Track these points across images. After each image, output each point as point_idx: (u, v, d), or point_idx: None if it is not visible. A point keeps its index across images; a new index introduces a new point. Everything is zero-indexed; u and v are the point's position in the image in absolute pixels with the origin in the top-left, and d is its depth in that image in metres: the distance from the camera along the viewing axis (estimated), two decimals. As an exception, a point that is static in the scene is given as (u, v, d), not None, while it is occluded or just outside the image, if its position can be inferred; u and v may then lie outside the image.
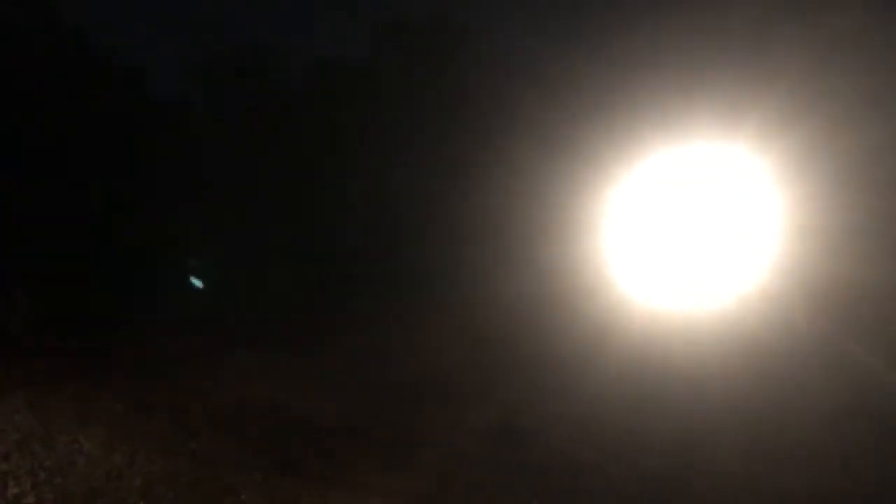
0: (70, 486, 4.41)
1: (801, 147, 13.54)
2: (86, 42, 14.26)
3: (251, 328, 9.07)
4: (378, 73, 19.49)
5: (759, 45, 16.49)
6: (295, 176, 17.62)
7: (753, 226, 12.88)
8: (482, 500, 4.82)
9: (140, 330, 9.04)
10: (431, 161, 18.20)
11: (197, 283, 14.74)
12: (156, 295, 12.48)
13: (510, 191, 17.03)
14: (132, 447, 5.01)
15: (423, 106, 18.74)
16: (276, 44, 20.80)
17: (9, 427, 5.03)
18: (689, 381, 7.02)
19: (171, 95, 17.85)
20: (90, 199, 13.04)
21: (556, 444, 5.49)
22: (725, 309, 11.67)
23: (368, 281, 15.92)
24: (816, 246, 12.26)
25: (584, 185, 15.43)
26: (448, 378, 7.41)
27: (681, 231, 13.32)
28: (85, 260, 12.29)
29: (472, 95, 18.43)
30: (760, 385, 7.29)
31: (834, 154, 13.78)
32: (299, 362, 7.65)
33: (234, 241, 16.65)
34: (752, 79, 15.15)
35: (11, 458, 4.63)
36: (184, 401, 6.03)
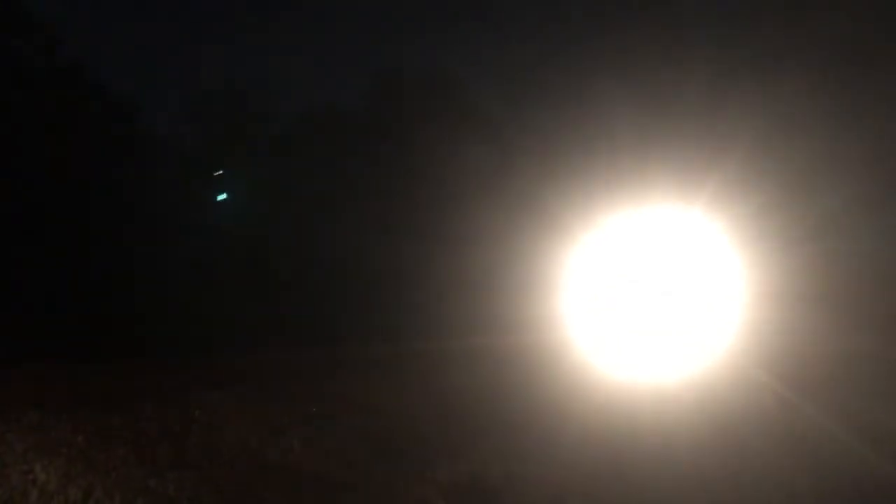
0: (20, 518, 4.23)
1: (757, 212, 14.02)
2: (84, 75, 14.45)
3: (225, 368, 8.89)
4: (370, 122, 19.86)
5: (714, 112, 17.19)
6: (283, 217, 17.69)
7: (715, 290, 13.07)
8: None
9: (109, 361, 8.84)
10: (405, 215, 18.42)
11: None
12: (128, 328, 12.28)
13: (480, 249, 17.27)
14: (90, 481, 4.82)
15: (409, 157, 19.11)
16: (273, 86, 21.28)
17: (-38, 453, 4.83)
18: (655, 446, 7.05)
19: (166, 129, 18.02)
20: (68, 225, 12.97)
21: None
22: (687, 373, 11.79)
23: (342, 328, 15.80)
24: (776, 311, 12.56)
25: (549, 246, 15.76)
26: (418, 431, 7.29)
27: (641, 294, 13.53)
28: (54, 285, 12.11)
29: (449, 155, 18.87)
30: (726, 453, 7.23)
31: (790, 218, 14.22)
32: (271, 406, 7.48)
33: (211, 278, 16.52)
34: (708, 144, 15.71)
35: (-39, 486, 4.43)
36: (148, 437, 5.84)
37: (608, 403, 9.14)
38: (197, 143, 18.66)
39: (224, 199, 17.03)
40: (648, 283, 13.67)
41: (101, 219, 13.91)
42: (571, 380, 10.62)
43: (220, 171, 17.22)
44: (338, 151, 18.82)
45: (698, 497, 5.76)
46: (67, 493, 4.61)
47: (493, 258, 17.39)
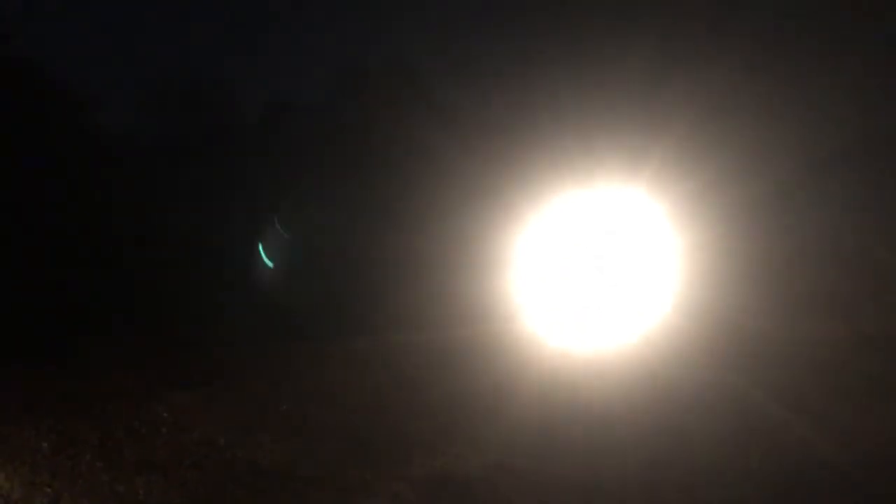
0: (-15, 529, 4.17)
1: (697, 193, 14.59)
2: (37, 71, 14.02)
3: (191, 367, 8.80)
4: (334, 116, 19.75)
5: (655, 90, 17.70)
6: (243, 213, 17.46)
7: (652, 267, 13.79)
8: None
9: (73, 362, 8.67)
10: (368, 203, 18.43)
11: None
12: (92, 325, 12.02)
13: (433, 233, 17.52)
14: (56, 489, 4.77)
15: (374, 149, 19.08)
16: (231, 80, 20.92)
17: (-80, 464, 4.73)
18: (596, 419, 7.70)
19: (122, 127, 17.62)
20: (33, 224, 12.63)
21: (498, 495, 5.49)
22: (627, 346, 12.69)
23: (312, 322, 15.73)
24: (711, 289, 13.26)
25: (496, 226, 16.24)
26: (389, 425, 7.35)
27: (584, 272, 14.20)
28: (8, 282, 11.78)
29: (405, 139, 18.96)
30: (660, 414, 8.12)
31: (728, 201, 14.83)
32: (239, 405, 7.45)
33: (178, 276, 16.27)
34: (648, 125, 16.21)
35: (-79, 498, 4.34)
36: (115, 441, 5.78)
37: (553, 379, 9.78)
38: (156, 140, 18.29)
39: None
40: (592, 263, 14.36)
41: (56, 214, 13.57)
42: (532, 365, 11.11)
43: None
44: (298, 143, 18.66)
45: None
46: (34, 501, 4.56)
47: (446, 242, 17.63)
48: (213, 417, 6.65)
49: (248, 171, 17.98)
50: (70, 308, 12.60)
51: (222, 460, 5.67)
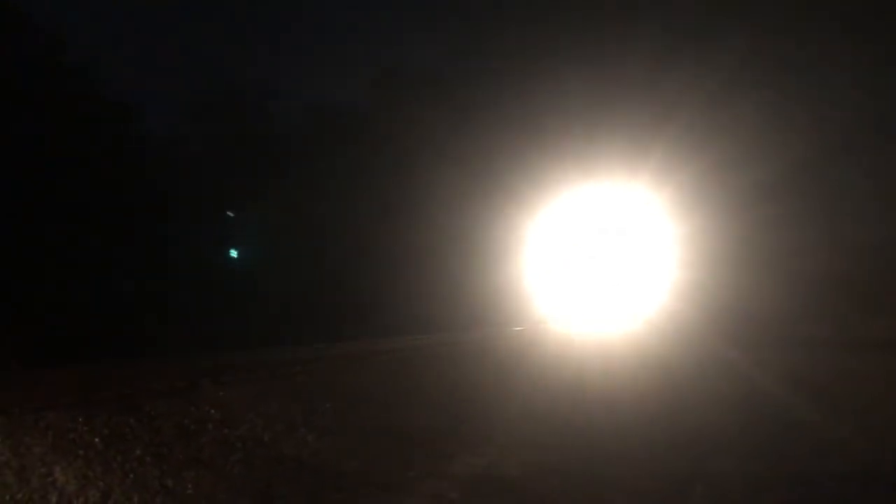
0: (42, 520, 4.27)
1: (694, 183, 14.84)
2: (87, 77, 14.43)
3: (235, 365, 8.92)
4: (368, 118, 19.94)
5: (657, 84, 17.84)
6: (285, 213, 17.71)
7: (655, 254, 14.76)
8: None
9: (123, 360, 8.88)
10: (394, 200, 18.61)
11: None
12: (142, 328, 12.33)
13: (457, 231, 17.81)
14: (108, 483, 4.85)
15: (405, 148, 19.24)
16: (271, 85, 21.29)
17: (-18, 457, 4.87)
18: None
19: (166, 131, 18.01)
20: (81, 228, 13.00)
21: (541, 494, 5.39)
22: (631, 328, 13.91)
23: (351, 323, 15.88)
24: (708, 273, 13.72)
25: (513, 220, 16.79)
26: (428, 423, 7.32)
27: (592, 260, 15.02)
28: (72, 289, 12.15)
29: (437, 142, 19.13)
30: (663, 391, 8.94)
31: (725, 190, 14.98)
32: (284, 402, 7.51)
33: (218, 274, 16.57)
34: (649, 120, 16.40)
35: (-18, 489, 4.47)
36: (163, 436, 5.88)
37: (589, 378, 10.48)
38: (199, 144, 18.66)
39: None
40: (599, 249, 15.38)
41: (104, 217, 13.93)
42: (561, 362, 11.64)
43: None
44: (338, 146, 18.85)
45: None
46: (87, 495, 4.65)
47: (469, 239, 17.90)
48: (258, 414, 6.71)
49: (290, 172, 18.24)
50: (117, 308, 12.94)
51: (268, 456, 5.71)
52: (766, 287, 13.51)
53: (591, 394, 9.38)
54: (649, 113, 17.11)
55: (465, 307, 16.86)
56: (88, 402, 6.49)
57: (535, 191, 17.43)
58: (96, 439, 5.53)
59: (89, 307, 12.18)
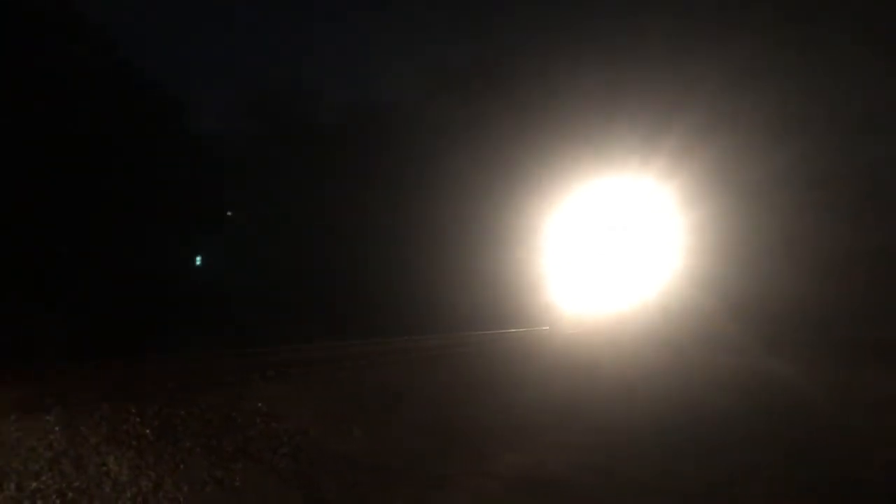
0: (97, 508, 4.37)
1: (704, 174, 14.86)
2: (135, 73, 14.82)
3: (283, 360, 9.02)
4: (417, 115, 19.99)
5: (670, 75, 17.87)
6: (330, 210, 17.88)
7: (666, 242, 15.23)
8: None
9: (174, 354, 9.08)
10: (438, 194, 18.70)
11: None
12: (189, 321, 12.61)
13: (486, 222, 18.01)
14: (159, 473, 4.94)
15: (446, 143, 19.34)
16: (317, 84, 21.52)
17: (41, 445, 5.01)
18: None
19: (214, 129, 18.31)
20: (129, 226, 13.35)
21: (586, 493, 5.28)
22: (642, 313, 14.41)
23: (393, 320, 15.93)
24: (717, 260, 13.88)
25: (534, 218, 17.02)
26: (472, 422, 7.26)
27: (607, 248, 15.44)
28: (121, 283, 12.49)
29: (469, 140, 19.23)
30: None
31: (735, 180, 14.92)
32: (331, 397, 7.56)
33: (262, 268, 16.83)
34: (662, 111, 16.40)
35: (42, 477, 4.60)
36: (212, 429, 5.96)
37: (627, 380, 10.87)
38: (244, 142, 19.00)
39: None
40: (613, 240, 15.72)
41: (153, 215, 14.29)
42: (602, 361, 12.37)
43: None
44: (381, 144, 18.97)
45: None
46: (139, 484, 4.74)
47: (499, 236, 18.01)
48: (305, 409, 6.76)
49: (336, 168, 18.43)
50: (164, 302, 13.26)
51: (315, 450, 5.74)
52: (776, 273, 13.75)
53: (637, 399, 9.25)
54: (663, 101, 17.28)
55: (488, 306, 16.98)
56: (140, 394, 6.62)
57: (557, 188, 17.61)
58: (147, 430, 5.65)
59: (135, 302, 12.50)
